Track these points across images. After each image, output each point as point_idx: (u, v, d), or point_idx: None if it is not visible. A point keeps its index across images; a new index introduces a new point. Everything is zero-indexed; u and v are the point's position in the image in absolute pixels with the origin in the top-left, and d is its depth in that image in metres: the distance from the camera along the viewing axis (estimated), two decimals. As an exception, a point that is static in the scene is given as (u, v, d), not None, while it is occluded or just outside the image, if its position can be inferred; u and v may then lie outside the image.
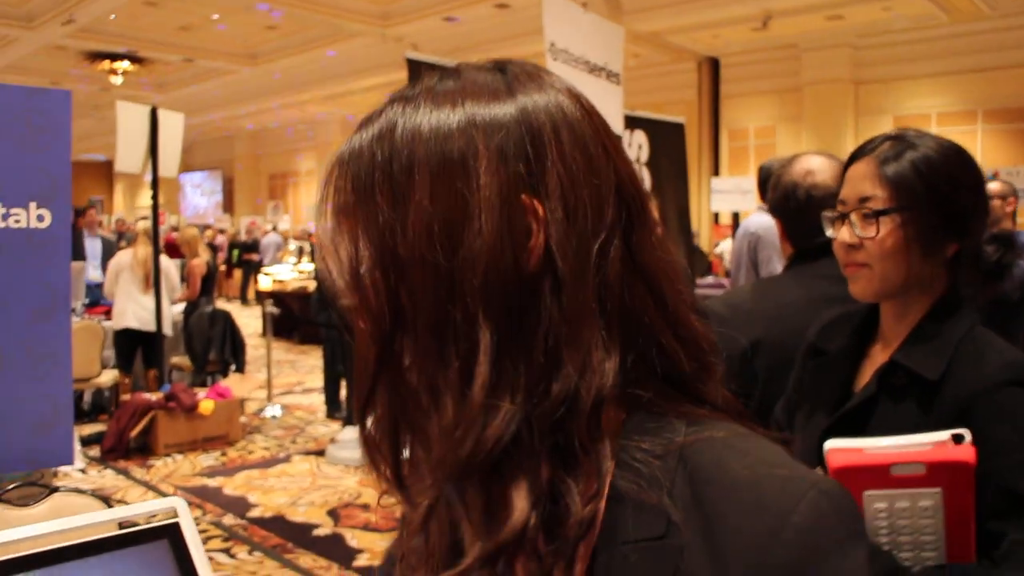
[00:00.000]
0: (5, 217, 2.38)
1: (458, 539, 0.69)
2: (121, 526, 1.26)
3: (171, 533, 0.89)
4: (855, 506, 0.60)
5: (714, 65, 14.06)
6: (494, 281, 0.61)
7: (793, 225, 1.93)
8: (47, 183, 2.43)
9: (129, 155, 6.41)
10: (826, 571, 0.56)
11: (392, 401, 0.66)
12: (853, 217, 1.37)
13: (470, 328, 0.61)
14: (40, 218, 2.44)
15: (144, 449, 6.19)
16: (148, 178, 6.75)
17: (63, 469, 4.38)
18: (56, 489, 2.22)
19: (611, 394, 0.62)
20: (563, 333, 0.61)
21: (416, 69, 3.50)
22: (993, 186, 4.06)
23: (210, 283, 7.72)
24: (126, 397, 6.61)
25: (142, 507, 1.33)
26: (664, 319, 0.66)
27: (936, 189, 1.33)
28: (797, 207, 1.89)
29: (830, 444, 1.24)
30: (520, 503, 0.61)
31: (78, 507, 2.19)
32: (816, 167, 1.92)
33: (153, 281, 6.72)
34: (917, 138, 1.37)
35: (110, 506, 2.40)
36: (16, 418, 2.45)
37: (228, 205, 24.91)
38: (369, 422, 0.69)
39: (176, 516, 1.08)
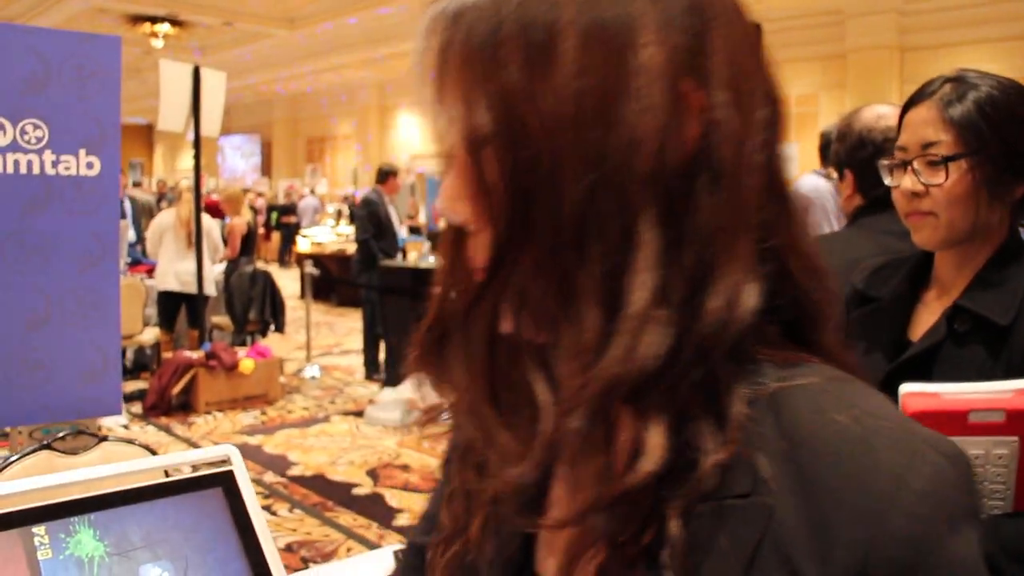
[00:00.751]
0: (55, 164, 2.37)
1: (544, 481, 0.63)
2: (169, 473, 1.24)
3: (225, 481, 0.87)
4: (974, 476, 0.52)
5: (755, 31, 13.75)
6: (657, 169, 0.52)
7: (868, 174, 1.86)
8: (97, 131, 2.40)
9: (172, 114, 6.40)
10: (945, 554, 0.48)
11: (504, 317, 0.56)
12: (916, 164, 1.32)
13: (625, 221, 0.52)
14: (90, 165, 2.42)
15: (186, 406, 6.25)
16: (190, 137, 6.75)
17: (106, 423, 4.41)
18: (105, 438, 2.22)
19: (751, 321, 0.54)
20: (718, 241, 0.53)
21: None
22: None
23: (251, 243, 7.74)
24: (168, 355, 6.68)
25: (196, 454, 1.30)
26: (794, 247, 0.58)
27: (1003, 129, 1.28)
28: (874, 151, 1.83)
29: (906, 388, 1.18)
30: (655, 444, 0.52)
31: (127, 457, 2.18)
32: (886, 112, 1.88)
33: (195, 241, 6.75)
34: (978, 78, 1.32)
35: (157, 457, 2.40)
36: (65, 367, 2.45)
37: (266, 169, 25.01)
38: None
39: (230, 464, 1.05)
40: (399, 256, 7.96)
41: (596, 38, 0.51)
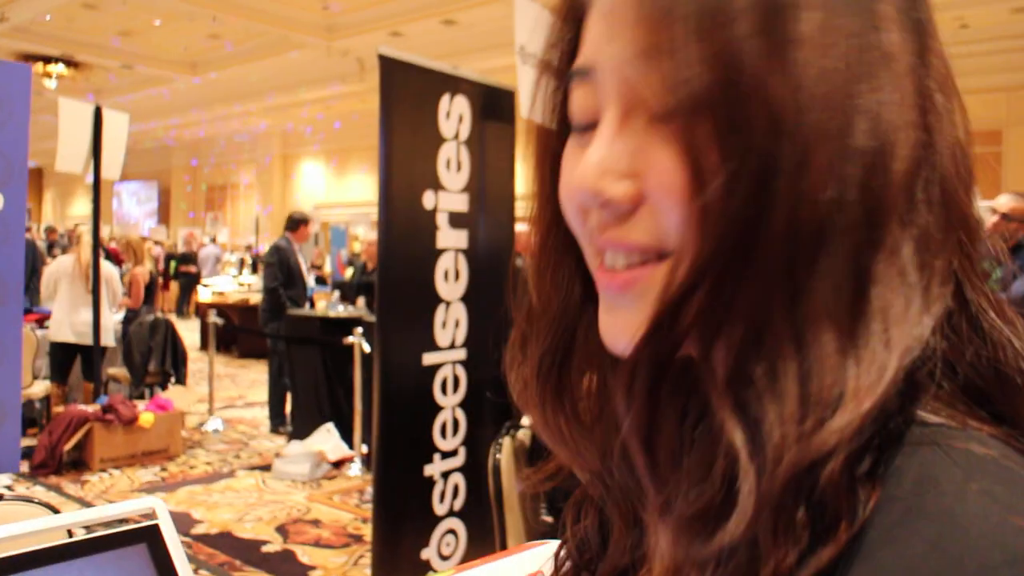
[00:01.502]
0: (-49, 199, 2.19)
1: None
2: (73, 534, 1.12)
3: (150, 536, 0.77)
4: None
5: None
6: (906, 171, 0.45)
7: None
8: (2, 164, 2.24)
9: (71, 155, 6.14)
10: None
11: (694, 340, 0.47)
12: None
13: (872, 228, 0.44)
14: (-11, 202, 2.26)
15: (78, 464, 5.90)
16: (88, 180, 6.49)
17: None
18: (1, 496, 2.03)
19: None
20: (935, 253, 0.46)
21: (389, 67, 3.38)
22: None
23: (152, 292, 7.45)
24: (59, 409, 6.31)
25: (117, 508, 1.17)
26: (981, 286, 0.49)
27: None
28: None
29: None
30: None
31: (25, 516, 2.00)
32: None
33: (92, 289, 6.44)
34: None
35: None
36: (-45, 419, 2.25)
37: (164, 216, 24.35)
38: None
39: (155, 518, 0.96)
40: (307, 305, 7.78)
41: (839, 14, 0.44)
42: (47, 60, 14.14)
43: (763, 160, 0.43)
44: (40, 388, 6.63)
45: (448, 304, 3.67)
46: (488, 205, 3.87)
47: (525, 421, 3.48)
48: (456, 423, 3.76)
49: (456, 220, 3.66)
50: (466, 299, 3.74)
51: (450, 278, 3.67)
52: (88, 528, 1.11)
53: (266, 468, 6.02)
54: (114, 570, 0.84)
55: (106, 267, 6.70)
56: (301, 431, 6.43)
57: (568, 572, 0.66)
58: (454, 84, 3.64)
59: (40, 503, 2.08)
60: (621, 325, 0.50)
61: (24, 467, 5.88)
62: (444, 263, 3.64)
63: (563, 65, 0.55)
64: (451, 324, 3.70)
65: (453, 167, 3.63)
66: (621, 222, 0.48)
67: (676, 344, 0.46)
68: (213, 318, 7.36)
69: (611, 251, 0.50)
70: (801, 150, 0.43)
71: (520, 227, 5.22)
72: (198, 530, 4.78)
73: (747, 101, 0.43)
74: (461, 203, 3.68)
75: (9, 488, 5.44)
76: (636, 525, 0.59)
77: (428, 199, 3.53)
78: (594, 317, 0.54)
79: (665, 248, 0.47)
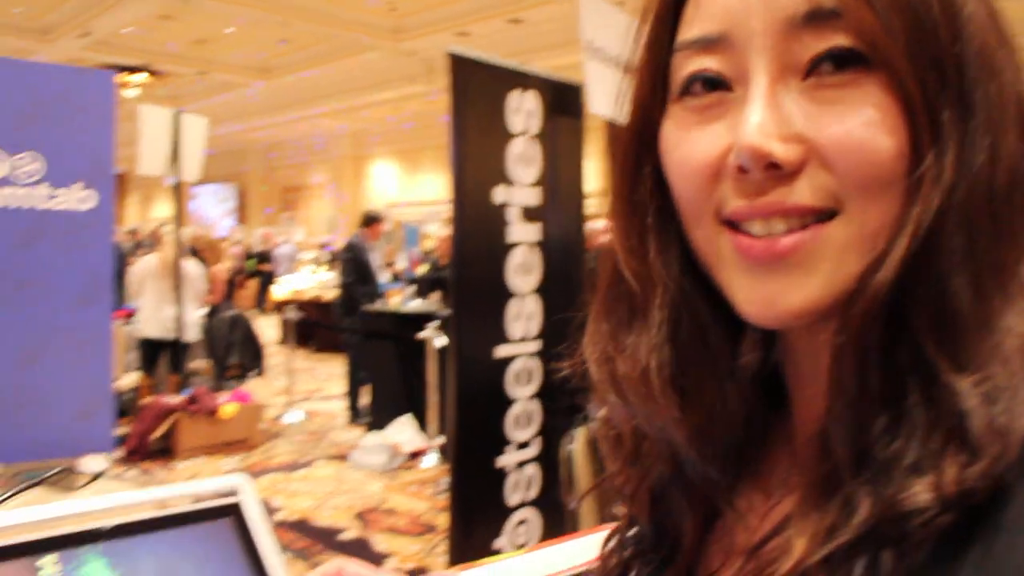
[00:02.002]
0: (50, 198, 2.34)
1: None
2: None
3: (234, 512, 0.81)
4: None
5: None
6: None
7: None
8: (93, 163, 2.38)
9: (152, 158, 6.38)
10: None
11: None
12: None
13: None
14: (84, 199, 2.40)
15: (165, 452, 6.14)
16: (168, 182, 6.72)
17: (86, 467, 4.31)
18: (100, 474, 2.16)
19: None
20: None
21: (458, 65, 3.46)
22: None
23: (231, 289, 7.68)
24: (147, 400, 6.57)
25: (205, 484, 1.26)
26: None
27: None
28: None
29: None
30: None
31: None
32: None
33: (176, 286, 6.69)
34: None
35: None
36: (58, 405, 2.40)
37: (241, 217, 24.93)
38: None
39: (238, 495, 1.02)
40: (381, 302, 7.94)
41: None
42: (129, 70, 14.63)
43: (983, 112, 0.46)
44: (130, 380, 6.91)
45: (521, 297, 3.73)
46: (560, 199, 3.91)
47: (597, 413, 3.51)
48: (530, 414, 3.82)
49: (529, 214, 3.71)
50: (540, 291, 3.79)
51: (523, 272, 3.73)
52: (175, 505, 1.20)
53: (343, 459, 6.17)
54: (202, 542, 0.90)
55: (189, 265, 6.95)
56: (378, 423, 6.57)
57: (616, 564, 0.66)
58: (523, 80, 3.70)
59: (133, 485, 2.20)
60: (783, 292, 0.49)
61: (117, 454, 6.15)
62: (516, 257, 3.70)
63: (668, 36, 0.55)
64: (524, 317, 3.76)
65: (524, 162, 3.69)
66: (783, 183, 0.48)
67: (893, 304, 0.46)
68: (291, 312, 7.56)
69: (763, 219, 0.49)
70: (997, 102, 0.47)
71: (594, 224, 5.25)
72: (277, 517, 4.94)
73: (945, 52, 0.46)
74: (533, 197, 3.73)
75: (104, 471, 5.70)
76: (711, 520, 0.60)
77: (498, 194, 3.59)
78: (709, 295, 0.55)
79: (835, 208, 0.48)
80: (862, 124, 0.46)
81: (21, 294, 2.34)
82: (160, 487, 1.50)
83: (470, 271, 3.60)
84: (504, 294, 3.67)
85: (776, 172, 0.47)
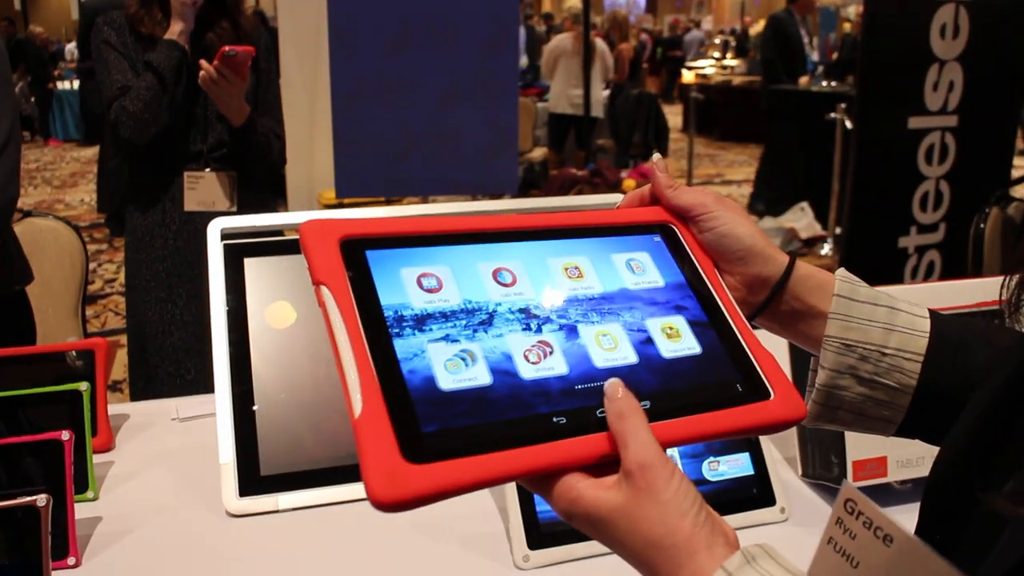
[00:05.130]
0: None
1: None
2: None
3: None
4: None
5: None
6: None
7: None
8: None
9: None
10: None
11: None
12: None
13: None
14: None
15: (569, 220, 6.55)
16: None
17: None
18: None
19: None
20: None
21: None
22: None
23: (637, 68, 7.74)
24: (554, 172, 6.99)
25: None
26: None
27: None
28: None
29: None
30: None
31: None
32: None
33: (584, 65, 6.87)
34: None
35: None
36: (468, 143, 2.63)
37: (651, 4, 24.70)
38: None
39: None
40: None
41: None
42: None
43: None
44: (539, 153, 7.37)
45: (943, 63, 3.34)
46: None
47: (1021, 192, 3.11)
48: (940, 195, 3.50)
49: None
50: (963, 59, 3.37)
51: (947, 35, 3.32)
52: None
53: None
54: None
55: (598, 45, 7.08)
56: (774, 208, 6.42)
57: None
58: None
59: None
60: None
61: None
62: (942, 16, 3.29)
63: None
64: (944, 86, 3.37)
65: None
66: None
67: None
68: (694, 93, 7.47)
69: None
70: None
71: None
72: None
73: None
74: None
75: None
76: None
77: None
78: None
79: None
80: None
81: (440, 43, 2.54)
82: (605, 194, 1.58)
83: (883, 40, 3.29)
84: (924, 59, 3.31)
85: None
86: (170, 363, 2.31)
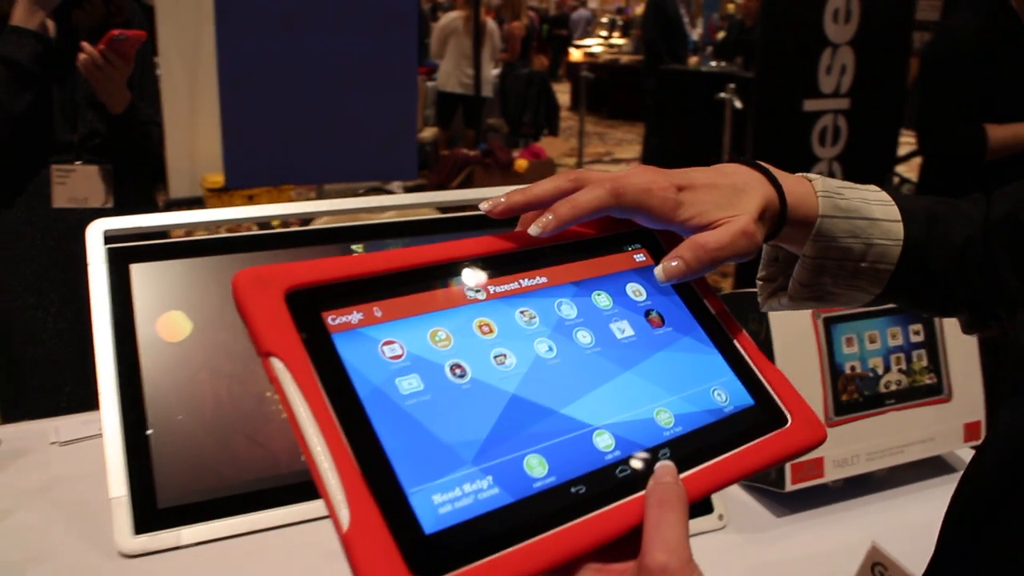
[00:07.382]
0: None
1: None
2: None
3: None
4: None
5: None
6: None
7: None
8: None
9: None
10: None
11: None
12: None
13: None
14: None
15: (462, 204, 6.47)
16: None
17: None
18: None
19: None
20: None
21: None
22: None
23: (527, 47, 7.67)
24: (444, 152, 6.88)
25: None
26: None
27: None
28: None
29: None
30: None
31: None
32: None
33: (474, 44, 6.77)
34: None
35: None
36: (365, 128, 2.51)
37: (537, -18, 24.72)
38: None
39: None
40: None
41: None
42: None
43: None
44: (429, 133, 7.24)
45: (836, 47, 3.38)
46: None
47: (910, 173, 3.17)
48: (833, 176, 3.56)
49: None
50: (855, 43, 3.42)
51: (840, 19, 3.36)
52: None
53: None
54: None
55: (489, 23, 6.98)
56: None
57: None
58: None
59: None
60: None
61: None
62: (835, 1, 3.33)
63: None
64: (836, 70, 3.42)
65: None
66: None
67: None
68: (584, 73, 7.47)
69: None
70: None
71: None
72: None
73: None
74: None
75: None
76: None
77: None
78: None
79: None
80: None
81: (337, 26, 2.40)
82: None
83: (780, 21, 3.31)
84: (818, 43, 3.35)
85: None
86: (43, 376, 2.10)
